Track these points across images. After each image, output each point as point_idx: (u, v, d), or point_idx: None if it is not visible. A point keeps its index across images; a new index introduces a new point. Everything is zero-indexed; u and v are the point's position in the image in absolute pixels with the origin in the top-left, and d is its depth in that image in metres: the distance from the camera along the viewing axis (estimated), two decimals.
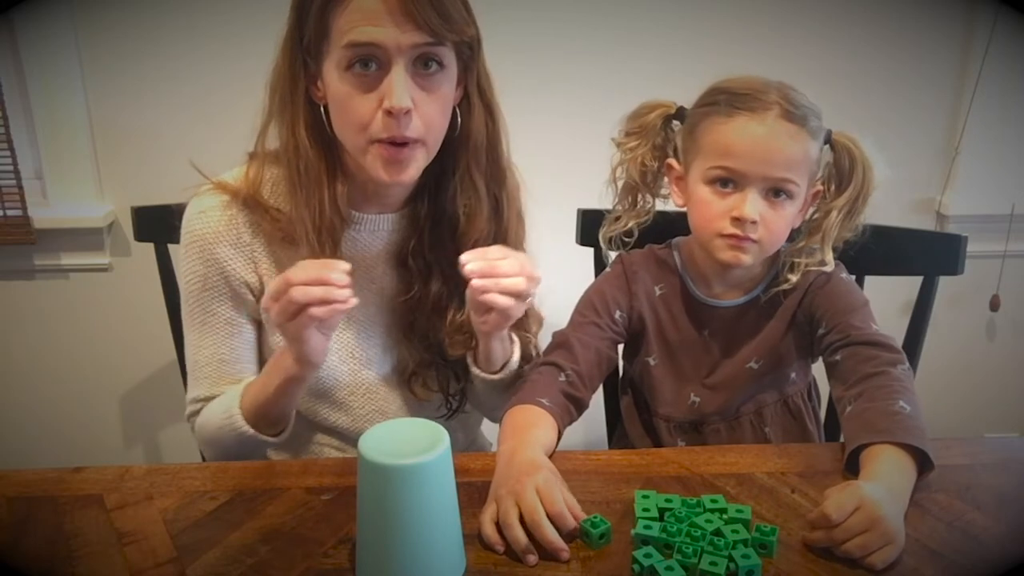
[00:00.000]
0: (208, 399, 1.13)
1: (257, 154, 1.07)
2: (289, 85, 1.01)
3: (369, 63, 0.95)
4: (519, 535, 0.82)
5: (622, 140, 1.16)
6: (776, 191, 1.03)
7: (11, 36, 1.72)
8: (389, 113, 0.95)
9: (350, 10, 0.94)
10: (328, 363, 1.12)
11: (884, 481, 0.86)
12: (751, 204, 1.02)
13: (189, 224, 1.09)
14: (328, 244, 1.04)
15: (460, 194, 1.08)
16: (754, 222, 1.02)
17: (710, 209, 1.05)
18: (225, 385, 1.12)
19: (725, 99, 1.04)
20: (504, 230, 1.12)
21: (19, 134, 1.78)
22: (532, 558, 0.82)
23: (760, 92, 1.02)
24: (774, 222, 1.04)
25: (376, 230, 1.12)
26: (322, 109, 1.02)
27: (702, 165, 1.06)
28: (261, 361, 1.15)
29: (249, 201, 1.06)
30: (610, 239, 1.20)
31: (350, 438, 1.17)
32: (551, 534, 0.82)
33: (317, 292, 0.90)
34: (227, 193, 1.07)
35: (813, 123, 1.03)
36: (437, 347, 1.14)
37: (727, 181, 1.04)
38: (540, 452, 0.94)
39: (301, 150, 1.02)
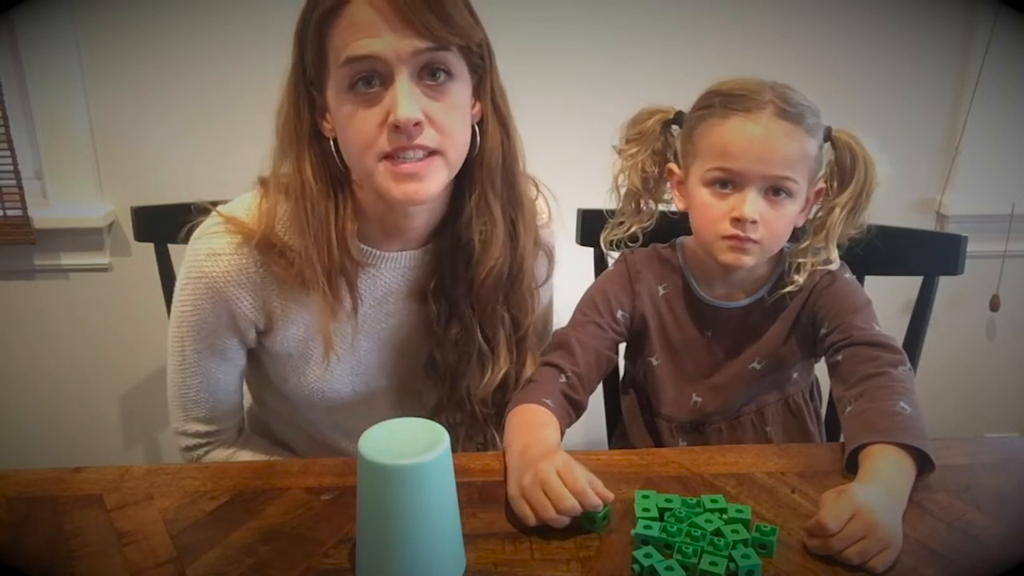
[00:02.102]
0: (209, 434, 1.13)
1: (268, 184, 1.03)
2: (295, 122, 0.98)
3: (372, 80, 0.91)
4: (564, 521, 0.83)
5: (622, 147, 1.16)
6: (775, 190, 1.03)
7: (11, 36, 1.72)
8: (396, 127, 0.90)
9: (344, 25, 0.90)
10: (346, 395, 1.12)
11: (882, 482, 0.86)
12: (751, 204, 1.02)
13: (197, 262, 1.03)
14: (342, 286, 1.02)
15: (475, 219, 1.03)
16: (754, 222, 1.02)
17: (710, 211, 1.05)
18: (221, 415, 1.13)
19: (720, 101, 1.04)
20: (520, 257, 1.08)
21: (19, 134, 1.78)
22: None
23: (754, 92, 1.02)
24: (775, 221, 1.04)
25: (397, 267, 1.08)
26: (332, 144, 0.99)
27: (701, 167, 1.06)
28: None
29: (263, 243, 1.01)
30: (611, 242, 1.20)
31: None
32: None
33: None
34: (240, 233, 1.01)
35: (810, 120, 1.03)
36: (465, 390, 1.12)
37: (726, 182, 1.04)
38: (553, 445, 0.95)
39: (307, 188, 0.98)
